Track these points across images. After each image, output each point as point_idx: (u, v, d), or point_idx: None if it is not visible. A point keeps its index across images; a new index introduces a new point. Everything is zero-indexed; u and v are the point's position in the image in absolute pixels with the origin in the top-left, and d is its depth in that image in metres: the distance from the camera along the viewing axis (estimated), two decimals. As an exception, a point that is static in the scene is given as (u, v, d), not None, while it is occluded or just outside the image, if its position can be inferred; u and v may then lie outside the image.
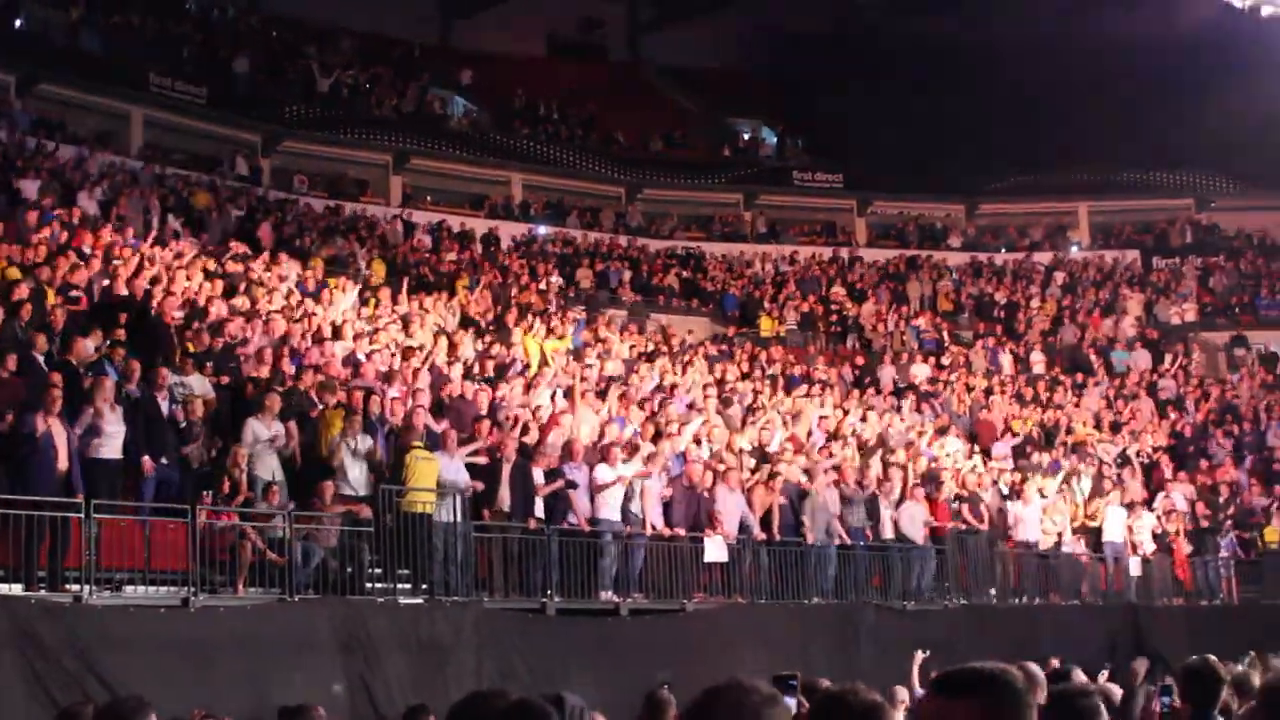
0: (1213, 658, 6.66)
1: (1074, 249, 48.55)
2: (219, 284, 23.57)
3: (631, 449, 21.30)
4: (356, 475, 18.04)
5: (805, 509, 22.68)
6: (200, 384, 18.48)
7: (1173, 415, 36.52)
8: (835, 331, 40.33)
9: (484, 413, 21.18)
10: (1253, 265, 46.65)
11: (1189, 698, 6.62)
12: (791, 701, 8.05)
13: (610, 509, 20.33)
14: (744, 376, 31.48)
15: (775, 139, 52.03)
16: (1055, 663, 14.88)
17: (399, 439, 18.98)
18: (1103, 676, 16.12)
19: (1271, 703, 2.79)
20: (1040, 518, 27.00)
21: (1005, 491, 27.63)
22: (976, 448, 30.90)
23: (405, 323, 26.06)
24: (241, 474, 17.09)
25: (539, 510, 19.57)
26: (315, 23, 46.42)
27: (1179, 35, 43.48)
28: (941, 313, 42.64)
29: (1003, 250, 48.13)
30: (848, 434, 28.09)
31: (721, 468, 22.35)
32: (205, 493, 16.66)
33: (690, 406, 26.37)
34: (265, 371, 19.73)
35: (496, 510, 19.27)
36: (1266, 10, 25.56)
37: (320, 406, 19.19)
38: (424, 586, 18.11)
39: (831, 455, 25.16)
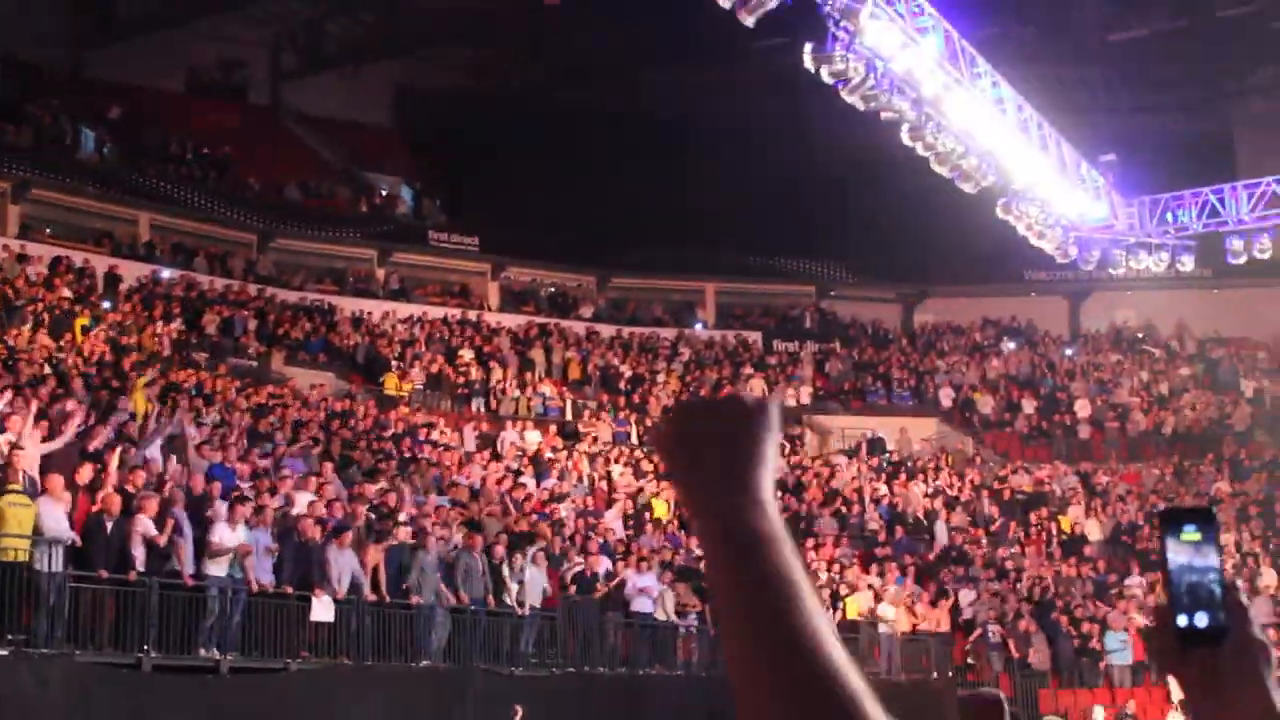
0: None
1: (698, 327, 49.83)
2: None
3: (246, 507, 20.78)
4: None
5: (413, 570, 22.57)
6: None
7: (783, 495, 37.75)
8: (462, 394, 40.27)
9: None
10: (865, 354, 48.76)
11: None
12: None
13: (218, 566, 19.77)
14: (372, 436, 31.21)
15: (413, 197, 51.87)
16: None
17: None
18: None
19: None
20: (655, 588, 27.43)
21: (622, 560, 28.01)
22: (593, 517, 31.26)
23: (13, 359, 24.92)
24: None
25: (140, 564, 18.87)
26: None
27: (807, 128, 45.31)
28: (568, 381, 43.12)
29: (631, 324, 49.00)
30: (467, 497, 28.10)
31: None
32: None
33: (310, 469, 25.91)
34: None
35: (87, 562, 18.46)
36: (885, 115, 26.84)
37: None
38: (9, 638, 17.20)
39: (446, 518, 25.09)
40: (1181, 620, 1.92)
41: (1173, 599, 1.93)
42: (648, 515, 32.95)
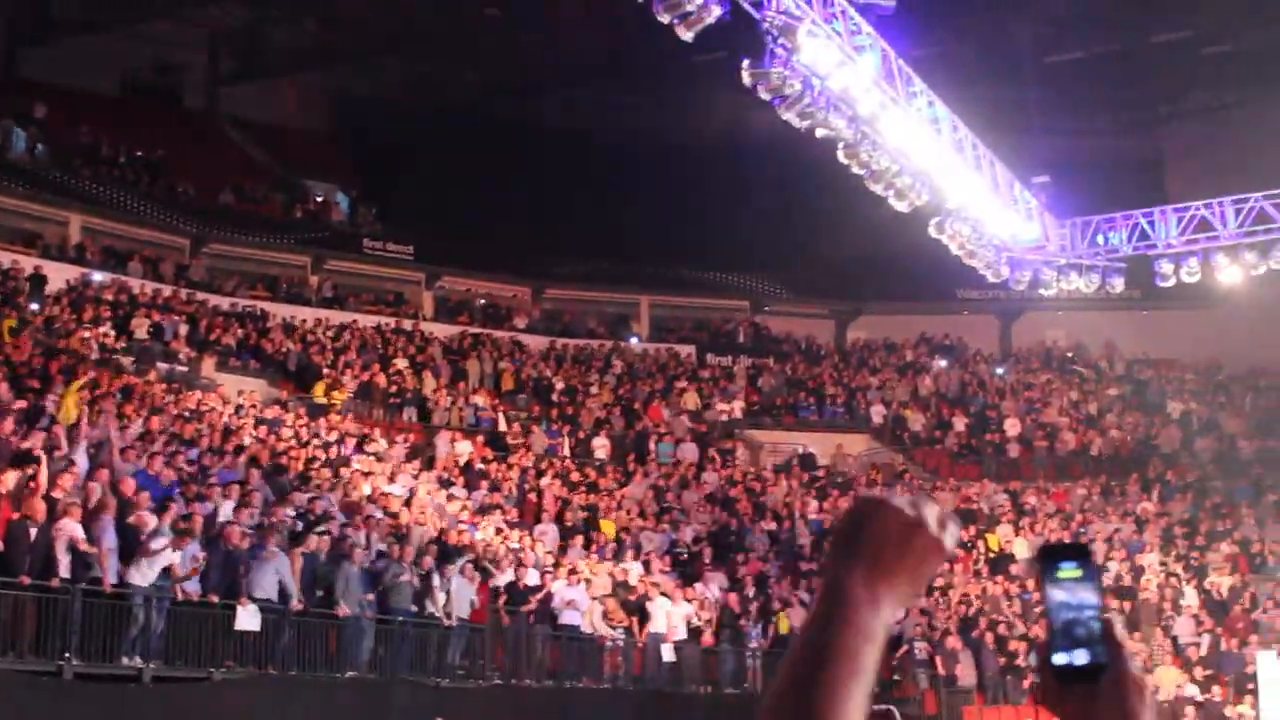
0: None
1: (633, 340, 49.81)
2: None
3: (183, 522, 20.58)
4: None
5: (339, 581, 22.43)
6: None
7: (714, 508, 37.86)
8: (394, 403, 40.06)
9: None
10: (798, 369, 48.90)
11: None
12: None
13: (144, 576, 19.58)
14: (301, 444, 30.97)
15: (349, 205, 51.61)
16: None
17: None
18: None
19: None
20: (584, 601, 27.43)
21: (551, 572, 27.98)
22: (523, 529, 31.22)
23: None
24: None
25: (64, 570, 18.67)
26: None
27: (743, 145, 45.53)
28: (501, 392, 42.98)
29: (565, 336, 48.95)
30: (397, 507, 27.99)
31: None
32: None
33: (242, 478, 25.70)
34: None
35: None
36: (821, 132, 26.97)
37: None
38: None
39: (375, 528, 24.99)
40: (1060, 658, 1.93)
41: (1052, 637, 1.93)
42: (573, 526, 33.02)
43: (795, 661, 1.85)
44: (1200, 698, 29.86)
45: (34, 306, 34.95)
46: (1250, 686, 29.61)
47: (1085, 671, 1.92)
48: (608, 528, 33.67)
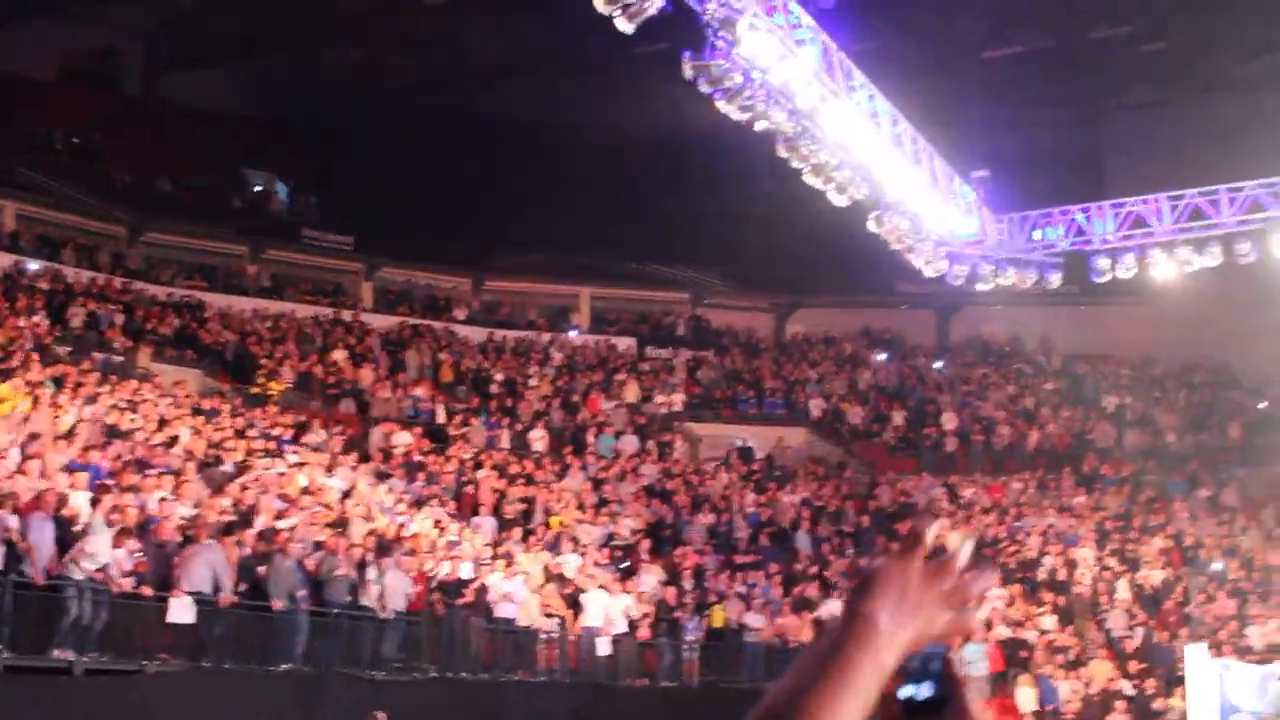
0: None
1: (572, 332, 49.75)
2: None
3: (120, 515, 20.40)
4: None
5: (272, 573, 22.30)
6: None
7: (652, 501, 37.88)
8: (331, 394, 39.84)
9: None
10: (737, 362, 49.00)
11: None
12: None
13: (79, 570, 19.41)
14: (238, 435, 30.75)
15: (288, 194, 51.24)
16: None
17: None
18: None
19: None
20: (520, 593, 27.39)
21: (487, 565, 27.92)
22: (460, 521, 31.14)
23: None
24: None
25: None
26: None
27: (684, 138, 45.49)
28: (440, 384, 42.81)
29: (505, 327, 48.84)
30: (333, 499, 27.86)
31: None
32: None
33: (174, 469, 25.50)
34: None
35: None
36: (760, 125, 26.99)
37: None
38: None
39: (311, 520, 24.87)
40: (907, 690, 1.99)
41: (902, 670, 1.99)
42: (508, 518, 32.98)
43: (801, 666, 1.92)
44: (1131, 691, 30.12)
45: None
46: (1180, 675, 29.89)
47: (929, 704, 1.99)
48: (556, 524, 33.60)
